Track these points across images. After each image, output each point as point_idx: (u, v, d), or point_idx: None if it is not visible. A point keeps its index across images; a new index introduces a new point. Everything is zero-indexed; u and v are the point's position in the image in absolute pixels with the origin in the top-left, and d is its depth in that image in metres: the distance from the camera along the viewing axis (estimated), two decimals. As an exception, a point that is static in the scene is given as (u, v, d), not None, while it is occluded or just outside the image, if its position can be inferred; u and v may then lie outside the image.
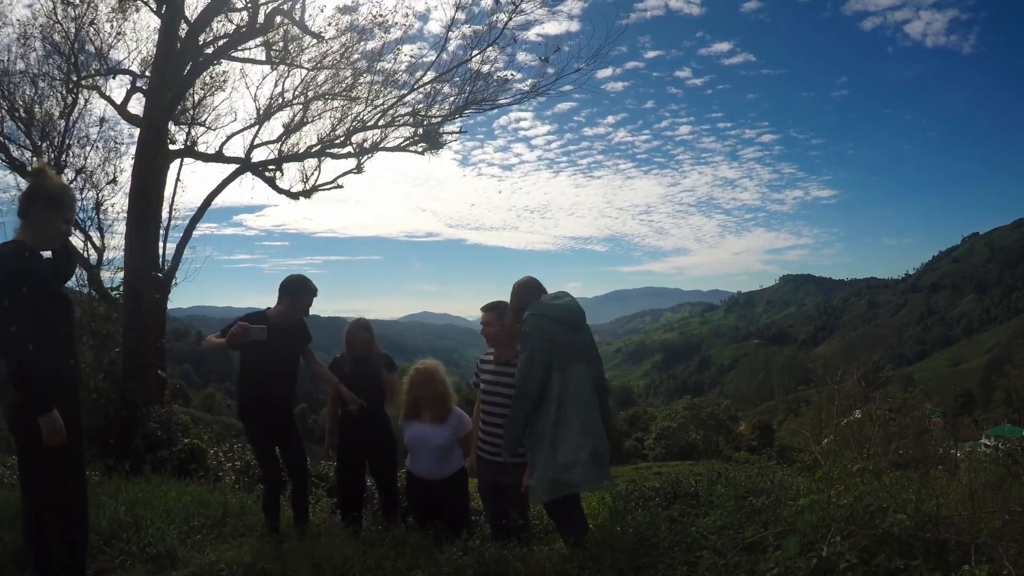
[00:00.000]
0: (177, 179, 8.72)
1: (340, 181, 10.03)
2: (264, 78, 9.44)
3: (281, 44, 8.92)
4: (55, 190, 2.67)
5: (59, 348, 2.62)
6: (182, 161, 8.87)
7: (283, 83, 9.41)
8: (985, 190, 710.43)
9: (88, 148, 8.92)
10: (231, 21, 8.37)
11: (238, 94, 9.78)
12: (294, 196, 9.91)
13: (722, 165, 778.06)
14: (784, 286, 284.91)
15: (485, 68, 8.73)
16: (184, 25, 7.84)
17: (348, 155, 9.63)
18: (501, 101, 9.04)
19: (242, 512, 4.36)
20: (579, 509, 3.48)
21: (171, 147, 8.54)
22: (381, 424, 4.36)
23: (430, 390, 3.88)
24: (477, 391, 3.90)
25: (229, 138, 9.43)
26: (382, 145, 9.61)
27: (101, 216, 8.76)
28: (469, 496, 4.15)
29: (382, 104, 9.32)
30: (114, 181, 8.97)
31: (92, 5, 8.61)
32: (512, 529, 3.52)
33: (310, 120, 9.56)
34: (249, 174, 9.38)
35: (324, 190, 10.03)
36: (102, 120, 9.14)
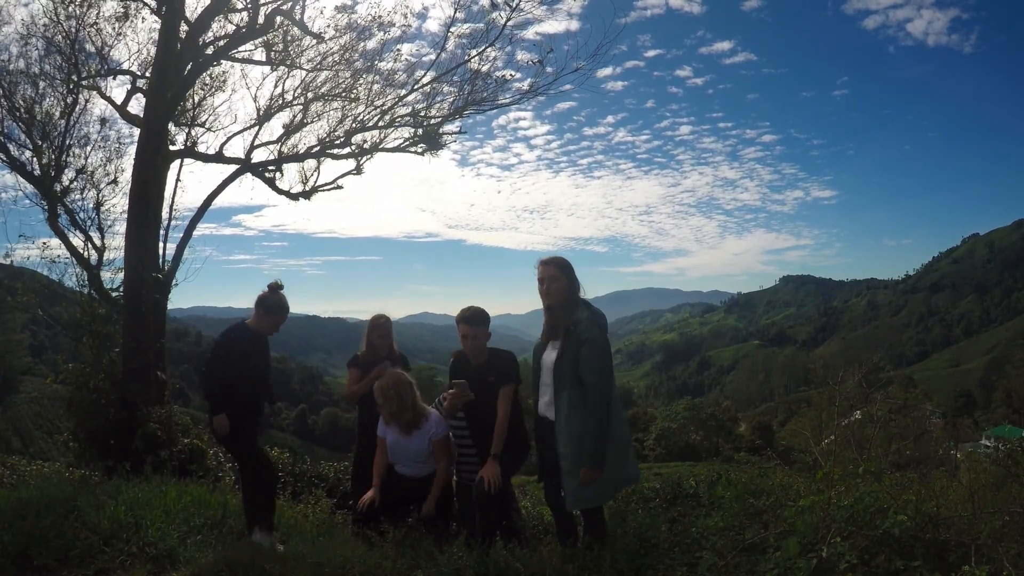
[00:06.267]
0: (177, 179, 8.70)
1: (340, 182, 10.00)
2: (264, 79, 9.40)
3: (281, 45, 8.89)
4: (283, 304, 4.16)
5: (253, 381, 4.10)
6: (182, 162, 8.84)
7: (283, 84, 9.38)
8: (985, 191, 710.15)
9: (88, 148, 8.84)
10: (231, 22, 8.35)
11: (238, 95, 9.71)
12: (294, 197, 9.90)
13: (723, 165, 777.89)
14: (784, 287, 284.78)
15: (484, 68, 8.68)
16: (184, 26, 7.83)
17: (348, 156, 9.60)
18: (500, 101, 8.98)
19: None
20: None
21: (171, 148, 8.52)
22: None
23: (392, 407, 3.85)
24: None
25: (229, 139, 9.40)
26: (382, 146, 9.58)
27: (101, 216, 8.70)
28: (453, 491, 4.15)
29: (382, 104, 9.30)
30: (114, 181, 8.92)
31: (92, 5, 8.60)
32: (513, 530, 3.51)
33: (310, 121, 9.54)
34: (249, 175, 9.35)
35: (324, 191, 10.01)
36: (102, 120, 9.09)
